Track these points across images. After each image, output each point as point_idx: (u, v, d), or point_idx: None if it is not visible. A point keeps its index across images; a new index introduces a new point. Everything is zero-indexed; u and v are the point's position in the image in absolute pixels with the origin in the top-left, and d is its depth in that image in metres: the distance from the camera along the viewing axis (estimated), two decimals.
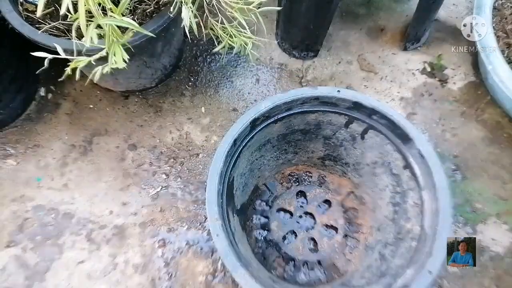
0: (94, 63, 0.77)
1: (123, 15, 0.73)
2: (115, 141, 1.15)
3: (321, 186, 1.08)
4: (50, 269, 0.99)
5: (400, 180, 0.86)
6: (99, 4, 0.69)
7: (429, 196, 0.74)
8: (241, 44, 0.92)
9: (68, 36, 0.91)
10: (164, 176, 1.11)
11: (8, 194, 1.08)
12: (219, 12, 0.84)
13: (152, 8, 0.97)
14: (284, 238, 1.02)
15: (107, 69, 0.78)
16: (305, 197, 1.07)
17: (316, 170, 1.10)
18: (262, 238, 1.02)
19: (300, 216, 1.05)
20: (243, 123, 0.77)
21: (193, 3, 0.82)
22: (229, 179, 0.79)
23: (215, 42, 0.94)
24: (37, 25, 0.91)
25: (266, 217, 1.04)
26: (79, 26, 0.69)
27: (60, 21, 0.92)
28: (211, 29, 0.90)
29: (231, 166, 0.79)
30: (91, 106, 1.20)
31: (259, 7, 0.83)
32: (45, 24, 0.91)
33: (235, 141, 0.77)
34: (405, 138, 0.80)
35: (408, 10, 1.41)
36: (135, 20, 0.83)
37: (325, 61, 1.31)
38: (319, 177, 1.10)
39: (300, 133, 0.94)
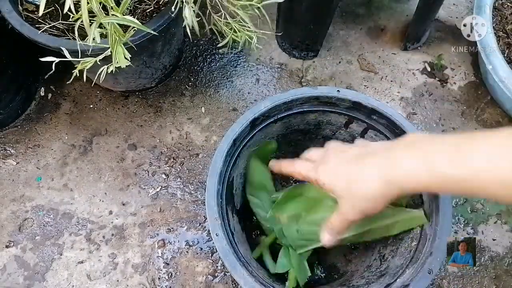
0: (99, 63, 0.77)
1: (123, 15, 0.73)
2: (115, 141, 1.15)
3: None
4: (50, 269, 0.99)
5: None
6: (100, 3, 0.70)
7: (429, 195, 0.74)
8: (245, 40, 0.91)
9: (67, 36, 0.91)
10: (164, 176, 1.11)
11: (8, 194, 1.08)
12: (222, 8, 0.84)
13: (152, 8, 0.97)
14: None
15: (111, 68, 0.78)
16: None
17: None
18: None
19: None
20: (243, 123, 0.77)
21: (194, 2, 0.82)
22: (229, 179, 0.79)
23: (219, 38, 0.93)
24: (37, 25, 0.91)
25: None
26: (80, 26, 0.69)
27: (60, 21, 0.92)
28: (214, 24, 0.90)
29: (231, 166, 0.79)
30: (91, 106, 1.20)
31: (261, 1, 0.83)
32: (45, 24, 0.91)
33: (234, 141, 0.77)
34: None
35: (408, 10, 1.41)
36: None
37: (325, 61, 1.31)
38: None
39: (300, 133, 0.94)
